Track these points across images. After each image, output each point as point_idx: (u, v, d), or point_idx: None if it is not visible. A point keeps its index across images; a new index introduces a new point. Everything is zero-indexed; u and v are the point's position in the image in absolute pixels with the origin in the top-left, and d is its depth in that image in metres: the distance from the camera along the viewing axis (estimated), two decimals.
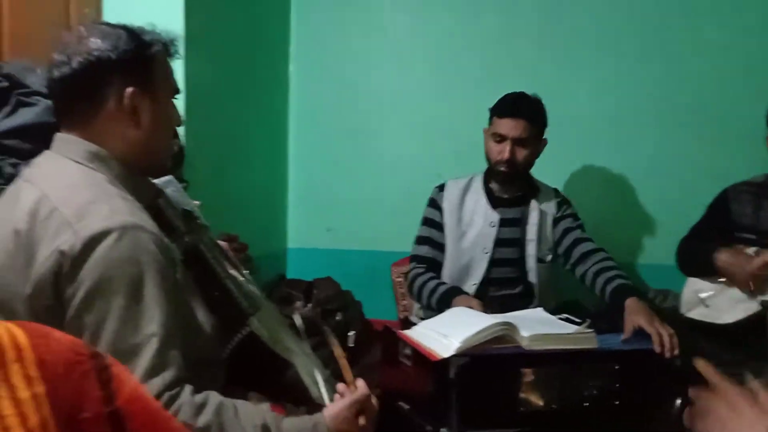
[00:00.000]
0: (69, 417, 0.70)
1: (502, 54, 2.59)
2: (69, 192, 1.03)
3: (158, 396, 0.96)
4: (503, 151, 1.99)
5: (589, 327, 1.48)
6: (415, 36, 2.68)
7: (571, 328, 1.46)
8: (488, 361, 1.31)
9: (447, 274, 2.07)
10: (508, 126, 1.99)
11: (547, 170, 2.45)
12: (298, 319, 1.46)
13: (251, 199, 2.51)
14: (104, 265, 0.97)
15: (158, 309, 1.00)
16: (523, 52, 2.58)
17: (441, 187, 2.13)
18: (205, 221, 1.41)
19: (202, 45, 2.07)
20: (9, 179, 1.36)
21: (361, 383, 1.20)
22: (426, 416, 1.33)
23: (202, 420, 1.00)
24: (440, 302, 1.95)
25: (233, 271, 1.34)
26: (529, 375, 1.31)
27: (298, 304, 2.16)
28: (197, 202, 1.49)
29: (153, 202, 1.19)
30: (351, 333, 1.50)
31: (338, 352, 1.31)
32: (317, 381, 1.27)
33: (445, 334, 1.33)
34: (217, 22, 2.24)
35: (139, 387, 0.78)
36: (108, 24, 1.17)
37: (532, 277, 2.07)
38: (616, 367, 1.40)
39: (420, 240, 2.12)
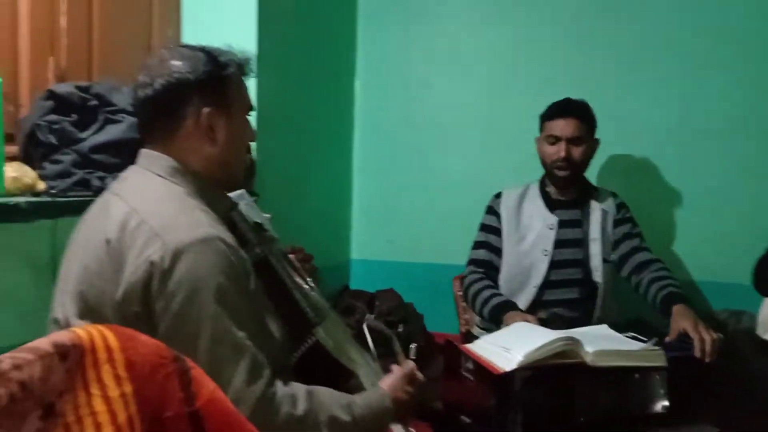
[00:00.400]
0: (153, 415, 0.75)
1: (566, 67, 2.56)
2: (155, 205, 1.10)
3: (263, 395, 1.04)
4: (559, 150, 2.03)
5: (656, 344, 1.45)
6: (478, 51, 2.69)
7: (638, 345, 1.43)
8: (551, 374, 1.31)
9: (505, 278, 2.08)
10: (560, 126, 2.03)
11: (612, 181, 2.41)
12: (366, 329, 1.50)
13: (317, 212, 2.58)
14: (192, 277, 1.03)
15: (245, 315, 1.07)
16: (586, 64, 2.54)
17: (498, 195, 2.17)
18: (275, 233, 1.47)
19: (272, 63, 2.16)
20: (97, 191, 1.46)
21: (408, 362, 1.37)
22: (488, 430, 1.33)
23: (301, 408, 1.09)
24: (492, 314, 1.97)
25: (300, 282, 1.39)
26: (585, 386, 1.31)
27: (369, 317, 2.20)
28: (267, 215, 1.55)
29: (227, 215, 1.25)
30: (413, 345, 1.51)
31: (397, 347, 1.39)
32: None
33: (508, 348, 1.33)
34: (287, 41, 2.32)
35: (216, 390, 0.83)
36: (187, 46, 1.24)
37: (597, 276, 2.06)
38: (661, 376, 1.38)
39: (477, 245, 2.14)
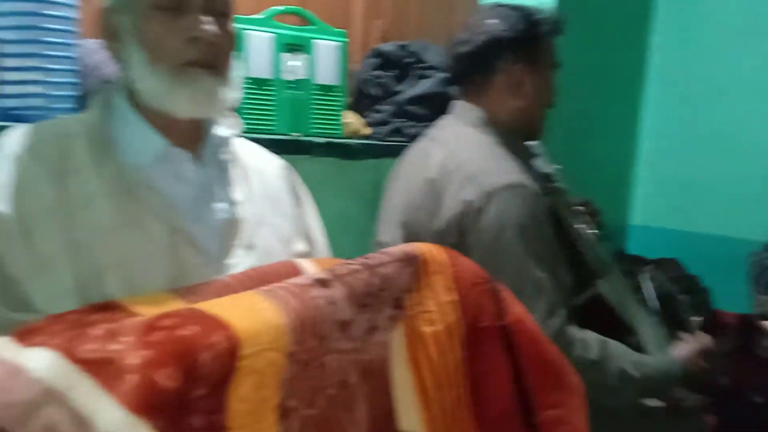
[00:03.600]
0: (471, 323, 0.89)
1: None
2: (469, 152, 1.24)
3: (558, 332, 1.12)
4: None
5: None
6: None
7: None
8: None
9: None
10: None
11: None
12: (648, 287, 1.49)
13: (597, 170, 2.54)
14: (501, 217, 1.15)
15: (545, 257, 1.16)
16: None
17: None
18: (563, 185, 1.53)
19: (569, 20, 2.16)
20: (409, 138, 1.68)
21: (705, 336, 1.35)
22: None
23: (592, 353, 1.15)
24: None
25: (586, 235, 1.43)
26: None
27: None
28: (557, 167, 1.61)
29: (526, 165, 1.34)
30: (695, 319, 1.46)
31: (684, 314, 1.36)
32: (662, 350, 1.30)
33: None
34: None
35: (523, 311, 0.94)
36: (505, 6, 1.34)
37: None
38: None
39: None
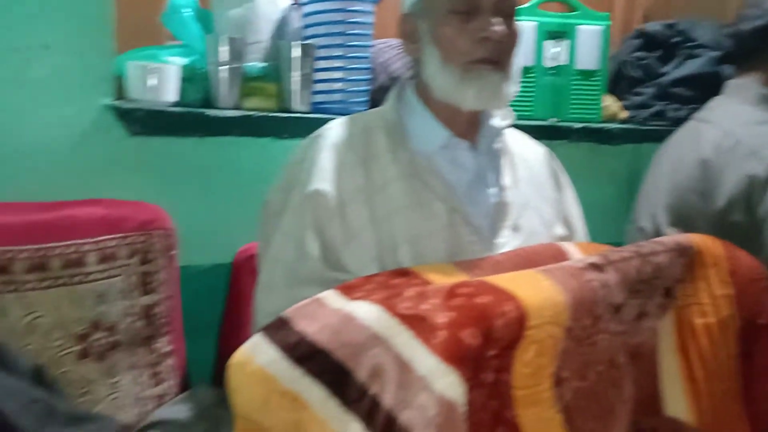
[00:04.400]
0: (748, 319, 0.87)
1: None
2: (746, 128, 1.18)
3: None
4: None
5: None
6: None
7: None
8: None
9: None
10: None
11: None
12: None
13: None
14: None
15: None
16: None
17: None
18: None
19: None
20: (672, 122, 1.60)
21: None
22: None
23: None
24: None
25: None
26: None
27: None
28: None
29: None
30: None
31: None
32: None
33: None
34: None
35: None
36: None
37: None
38: None
39: None
